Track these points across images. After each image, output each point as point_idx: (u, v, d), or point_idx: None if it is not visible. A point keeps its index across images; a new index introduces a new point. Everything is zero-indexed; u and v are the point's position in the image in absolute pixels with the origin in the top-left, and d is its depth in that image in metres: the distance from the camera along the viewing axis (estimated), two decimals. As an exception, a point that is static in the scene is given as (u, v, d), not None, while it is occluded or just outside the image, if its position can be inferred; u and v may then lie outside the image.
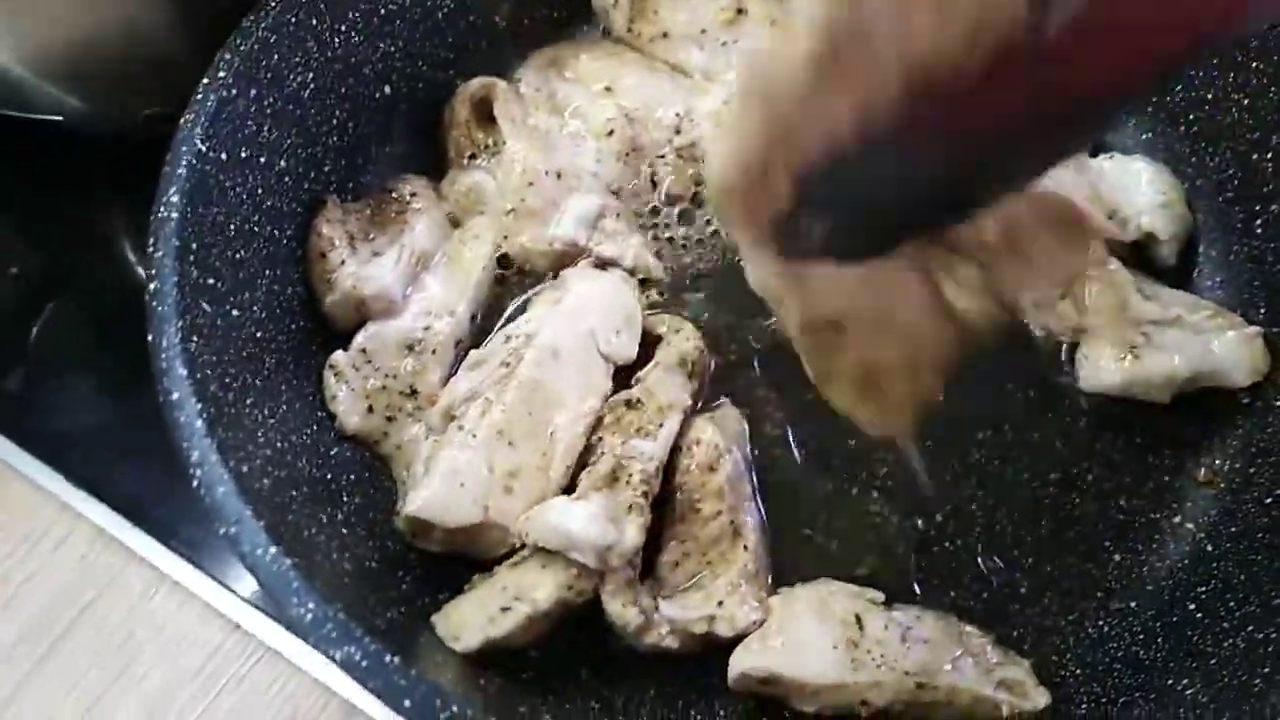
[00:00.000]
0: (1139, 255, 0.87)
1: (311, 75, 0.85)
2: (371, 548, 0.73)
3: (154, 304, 0.68)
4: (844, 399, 0.64)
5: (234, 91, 0.78)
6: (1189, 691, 0.66)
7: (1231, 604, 0.71)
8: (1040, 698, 0.69)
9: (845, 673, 0.69)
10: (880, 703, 0.68)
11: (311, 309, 0.83)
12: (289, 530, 0.64)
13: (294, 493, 0.69)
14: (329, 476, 0.76)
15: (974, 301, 0.58)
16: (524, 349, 0.78)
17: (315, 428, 0.78)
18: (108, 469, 0.91)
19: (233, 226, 0.77)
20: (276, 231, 0.82)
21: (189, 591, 0.87)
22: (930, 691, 0.68)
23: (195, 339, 0.68)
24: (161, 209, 0.72)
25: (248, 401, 0.71)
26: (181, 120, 0.75)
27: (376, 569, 0.72)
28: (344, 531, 0.72)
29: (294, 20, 0.82)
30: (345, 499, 0.75)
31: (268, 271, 0.80)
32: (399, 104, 0.93)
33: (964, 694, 0.68)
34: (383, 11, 0.90)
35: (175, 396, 0.65)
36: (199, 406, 0.65)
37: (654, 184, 0.92)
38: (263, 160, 0.81)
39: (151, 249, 0.70)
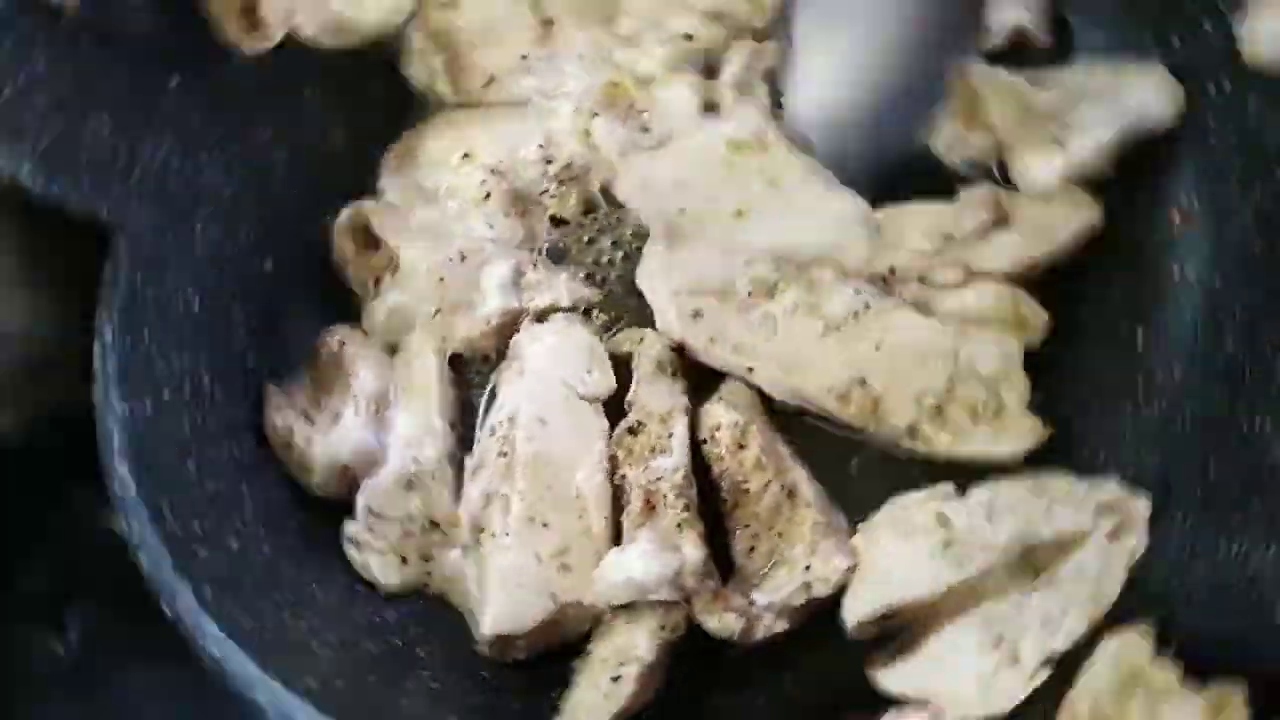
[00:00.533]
0: (1019, 55, 0.85)
1: (192, 288, 0.84)
2: (469, 688, 0.72)
3: (156, 578, 0.68)
4: None
5: (128, 341, 0.77)
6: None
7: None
8: (1141, 506, 0.68)
9: (954, 574, 0.68)
10: (999, 587, 0.68)
11: (303, 501, 0.82)
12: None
13: (372, 678, 0.69)
14: (396, 642, 0.75)
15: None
16: (512, 432, 0.77)
17: (359, 604, 0.77)
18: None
19: (194, 466, 0.76)
20: (238, 447, 0.81)
21: None
22: (1042, 549, 0.67)
23: (211, 591, 0.67)
24: (116, 485, 0.71)
25: (289, 623, 0.70)
26: (93, 393, 0.74)
27: (482, 703, 0.71)
28: (433, 686, 0.71)
29: (150, 245, 0.81)
30: (420, 655, 0.74)
31: (248, 487, 0.79)
32: (286, 269, 0.92)
33: (1070, 535, 0.67)
34: (229, 193, 0.88)
35: (217, 654, 0.64)
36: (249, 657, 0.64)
37: (553, 220, 0.91)
38: (189, 391, 0.79)
39: (128, 533, 0.70)
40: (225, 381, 0.83)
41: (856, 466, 0.78)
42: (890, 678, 0.68)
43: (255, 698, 0.62)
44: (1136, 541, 0.68)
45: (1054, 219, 0.76)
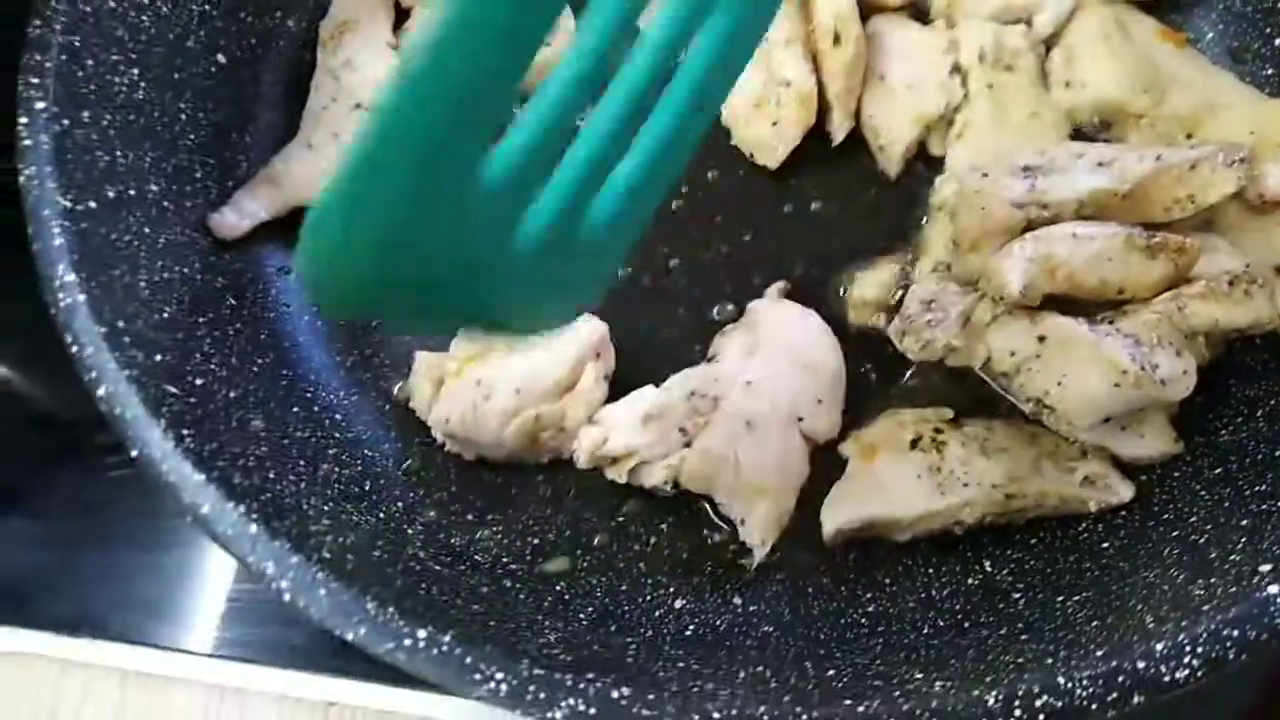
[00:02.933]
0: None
1: (136, 71, 0.68)
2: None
3: (118, 414, 0.54)
4: None
5: (66, 122, 0.61)
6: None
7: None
8: (1124, 490, 0.66)
9: (935, 500, 0.66)
10: (971, 520, 0.66)
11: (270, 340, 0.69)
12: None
13: (380, 544, 0.58)
14: (396, 506, 0.64)
15: None
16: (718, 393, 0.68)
17: (346, 464, 0.65)
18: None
19: (145, 284, 0.61)
20: (185, 269, 0.66)
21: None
22: (1019, 500, 0.66)
23: (190, 434, 0.54)
24: (58, 291, 0.56)
25: (277, 481, 0.58)
26: (23, 178, 0.58)
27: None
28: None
29: (90, 11, 0.64)
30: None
31: (204, 320, 0.65)
32: (240, 68, 0.76)
33: (1051, 496, 0.65)
34: (179, -35, 0.71)
35: (207, 511, 0.52)
36: (249, 516, 0.52)
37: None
38: (133, 194, 0.64)
39: (72, 345, 0.55)
40: (172, 191, 0.68)
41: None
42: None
43: (260, 565, 0.50)
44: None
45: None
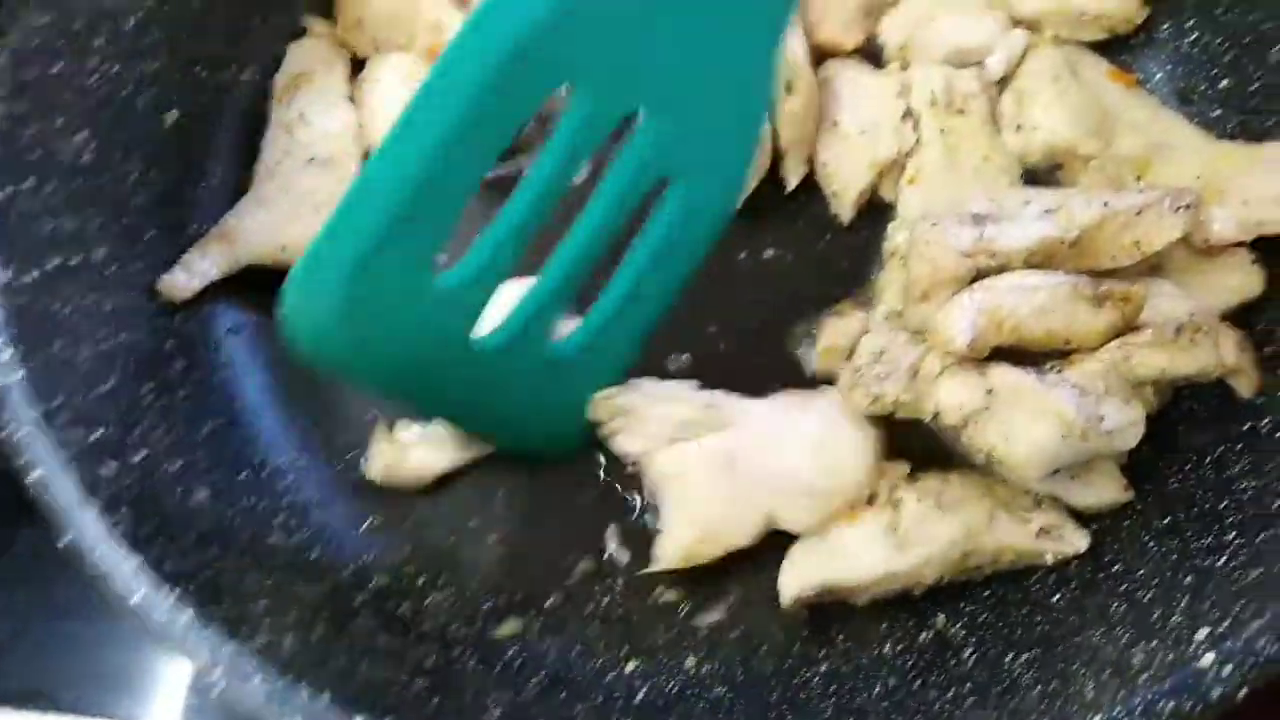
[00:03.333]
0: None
1: (84, 135, 0.67)
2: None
3: (50, 495, 0.53)
4: None
5: (9, 190, 0.61)
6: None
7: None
8: (1080, 540, 0.65)
9: (894, 561, 0.65)
10: (931, 579, 0.65)
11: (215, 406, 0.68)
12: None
13: (320, 630, 0.58)
14: (345, 583, 0.64)
15: None
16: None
17: (293, 539, 0.65)
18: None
19: (87, 355, 0.61)
20: (130, 338, 0.66)
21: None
22: (976, 557, 0.65)
23: (127, 514, 0.54)
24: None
25: (218, 562, 0.58)
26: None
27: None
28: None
29: (37, 64, 0.64)
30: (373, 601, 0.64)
31: (150, 387, 0.64)
32: (195, 125, 0.76)
33: (1007, 551, 0.65)
34: (129, 25, 0.71)
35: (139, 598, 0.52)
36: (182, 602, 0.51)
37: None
38: (78, 262, 0.64)
39: (4, 429, 0.55)
40: (120, 255, 0.68)
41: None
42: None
43: (192, 654, 0.50)
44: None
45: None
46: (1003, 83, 0.81)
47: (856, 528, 0.66)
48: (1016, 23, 0.82)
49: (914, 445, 0.69)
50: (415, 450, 0.70)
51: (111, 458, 0.56)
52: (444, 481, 0.70)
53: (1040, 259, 0.67)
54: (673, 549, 0.65)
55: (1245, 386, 0.67)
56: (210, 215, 0.77)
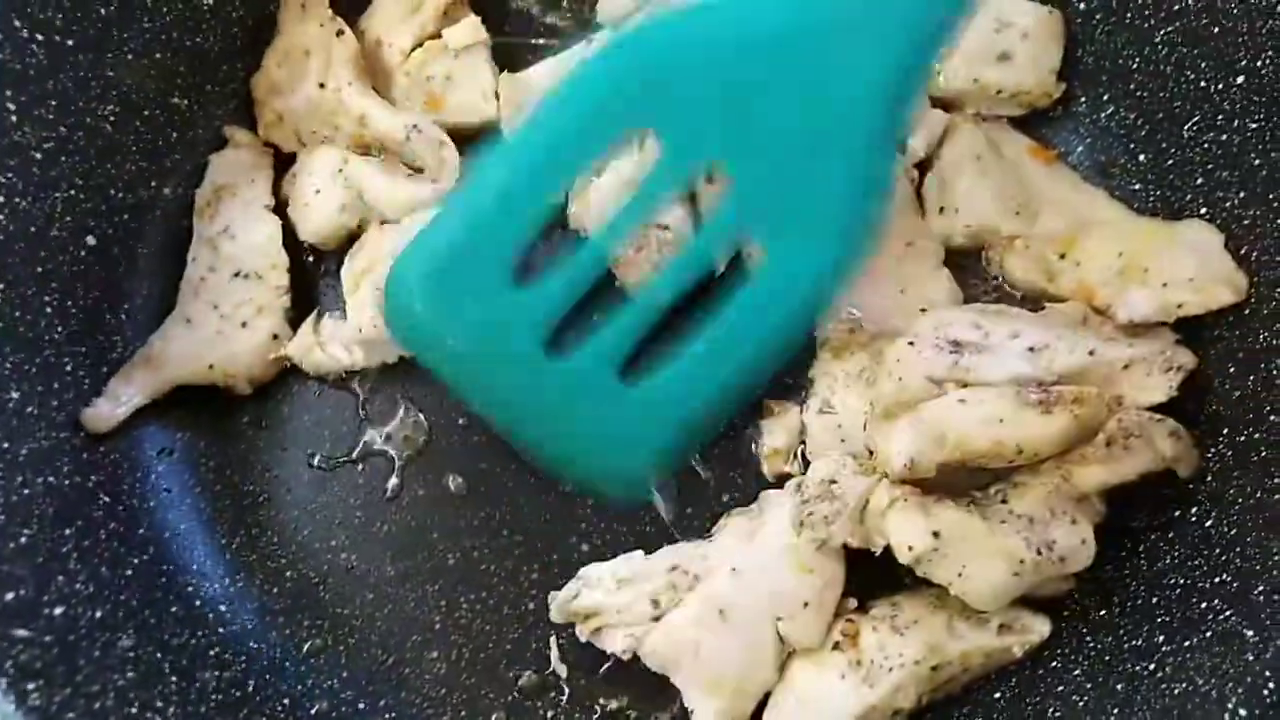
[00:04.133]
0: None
1: (-6, 271, 0.66)
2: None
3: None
4: None
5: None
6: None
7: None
8: (1041, 626, 0.65)
9: (866, 695, 0.64)
10: (909, 705, 0.65)
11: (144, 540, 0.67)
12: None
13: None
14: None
15: None
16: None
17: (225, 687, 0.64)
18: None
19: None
20: (55, 477, 0.65)
21: None
22: (946, 669, 0.65)
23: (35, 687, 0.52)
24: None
25: None
26: None
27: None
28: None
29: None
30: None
31: (73, 530, 0.63)
32: (113, 247, 0.75)
33: (974, 655, 0.65)
34: (40, 154, 0.70)
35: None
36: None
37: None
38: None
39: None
40: (37, 394, 0.67)
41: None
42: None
43: None
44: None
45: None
46: (925, 165, 0.81)
47: (820, 672, 0.66)
48: (934, 102, 0.82)
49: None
50: (331, 345, 0.76)
51: (23, 622, 0.55)
52: (382, 595, 0.69)
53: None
54: None
55: (1185, 469, 0.67)
56: (134, 337, 0.76)
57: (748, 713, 0.65)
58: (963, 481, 0.65)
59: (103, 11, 0.73)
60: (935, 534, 0.62)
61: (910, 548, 0.62)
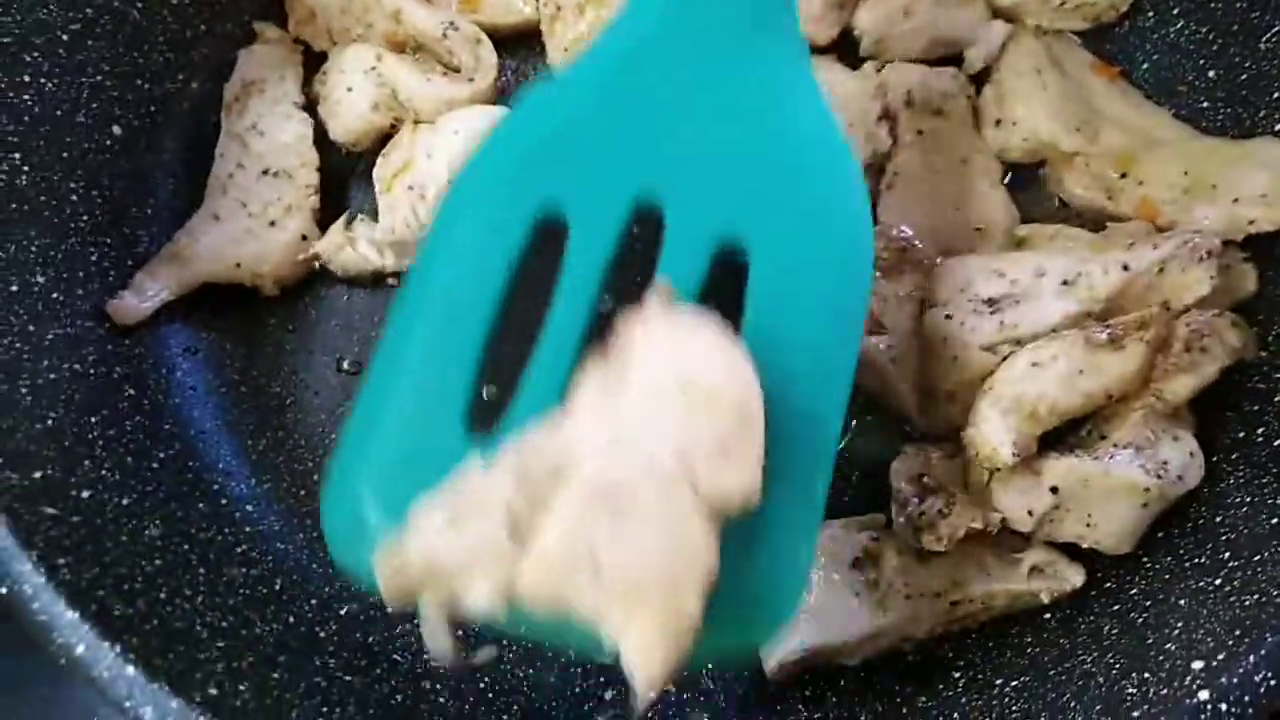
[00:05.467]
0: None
1: (17, 156, 0.64)
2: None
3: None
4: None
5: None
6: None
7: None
8: (1075, 575, 0.63)
9: (878, 618, 0.62)
10: (921, 634, 0.63)
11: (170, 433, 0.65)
12: None
13: (276, 677, 0.55)
14: (299, 627, 0.61)
15: None
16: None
17: (252, 573, 0.62)
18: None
19: (27, 391, 0.58)
20: (80, 364, 0.63)
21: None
22: (965, 605, 0.63)
23: (65, 563, 0.51)
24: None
25: (167, 605, 0.55)
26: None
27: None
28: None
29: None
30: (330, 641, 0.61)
31: (96, 418, 0.61)
32: (138, 137, 0.73)
33: (999, 595, 0.63)
34: (67, 35, 0.68)
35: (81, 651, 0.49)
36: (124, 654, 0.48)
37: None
38: (18, 290, 0.61)
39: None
40: (63, 281, 0.65)
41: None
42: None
43: (137, 710, 0.47)
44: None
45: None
46: (982, 76, 0.78)
47: (833, 586, 0.63)
48: (996, 13, 0.79)
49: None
50: (361, 245, 0.73)
51: (51, 501, 0.53)
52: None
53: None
54: (645, 656, 0.44)
55: (1252, 352, 0.65)
56: (160, 232, 0.74)
57: (695, 614, 0.44)
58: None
59: (127, -103, 0.70)
60: (1053, 489, 0.60)
61: (1030, 512, 0.60)
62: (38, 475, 0.54)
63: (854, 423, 0.69)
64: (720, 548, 0.44)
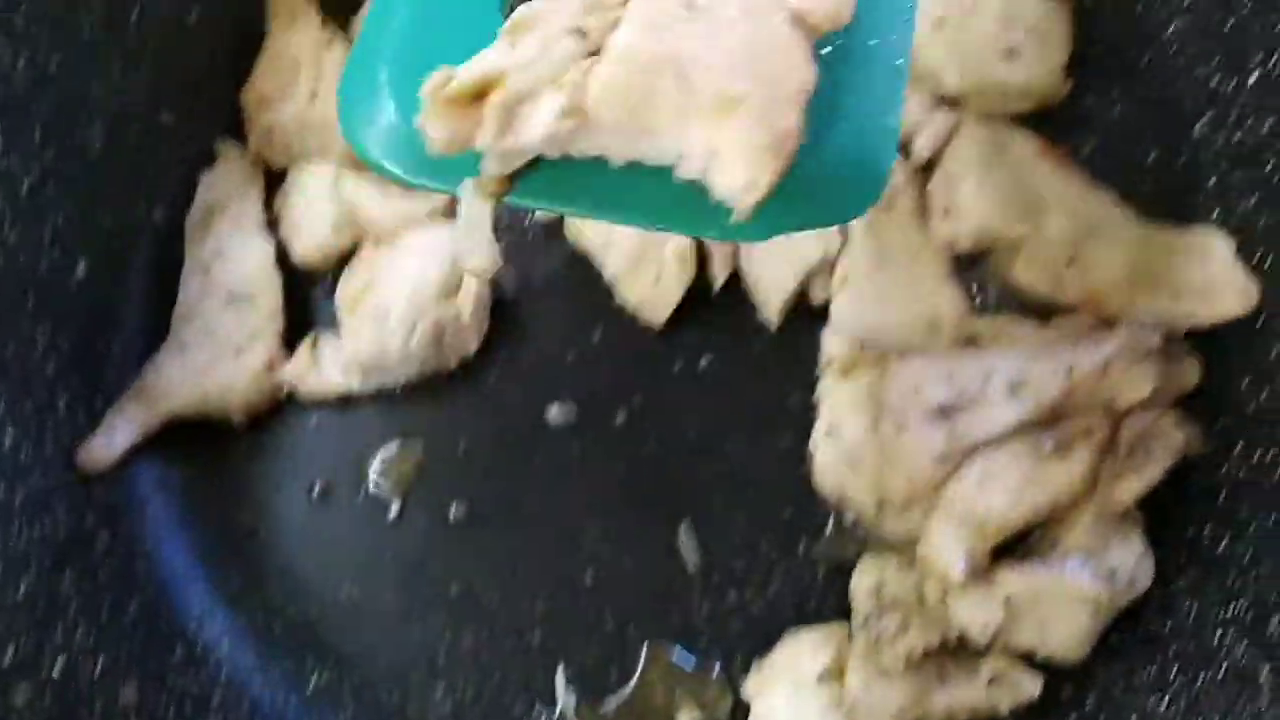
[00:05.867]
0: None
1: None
2: None
3: None
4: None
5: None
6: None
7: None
8: (1033, 685, 0.64)
9: None
10: None
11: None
12: None
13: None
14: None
15: None
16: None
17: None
18: None
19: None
20: (52, 522, 0.64)
21: None
22: (929, 719, 0.64)
23: None
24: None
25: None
26: None
27: None
28: None
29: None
30: None
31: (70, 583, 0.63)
32: (104, 274, 0.74)
33: (960, 711, 0.64)
34: (28, 183, 0.69)
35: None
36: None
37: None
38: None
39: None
40: (30, 436, 0.66)
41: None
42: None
43: None
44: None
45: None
46: (929, 165, 0.79)
47: (799, 704, 0.64)
48: (941, 101, 0.80)
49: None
50: (328, 368, 0.74)
51: (25, 677, 0.54)
52: (384, 630, 0.69)
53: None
54: (745, 161, 0.38)
55: (1198, 448, 0.67)
56: (129, 366, 0.75)
57: (795, 129, 0.39)
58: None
59: (87, 32, 0.71)
60: (1007, 601, 0.61)
61: (985, 625, 0.61)
62: (11, 654, 0.56)
63: (824, 526, 0.71)
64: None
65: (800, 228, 0.43)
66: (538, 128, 0.38)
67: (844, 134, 0.43)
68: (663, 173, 0.40)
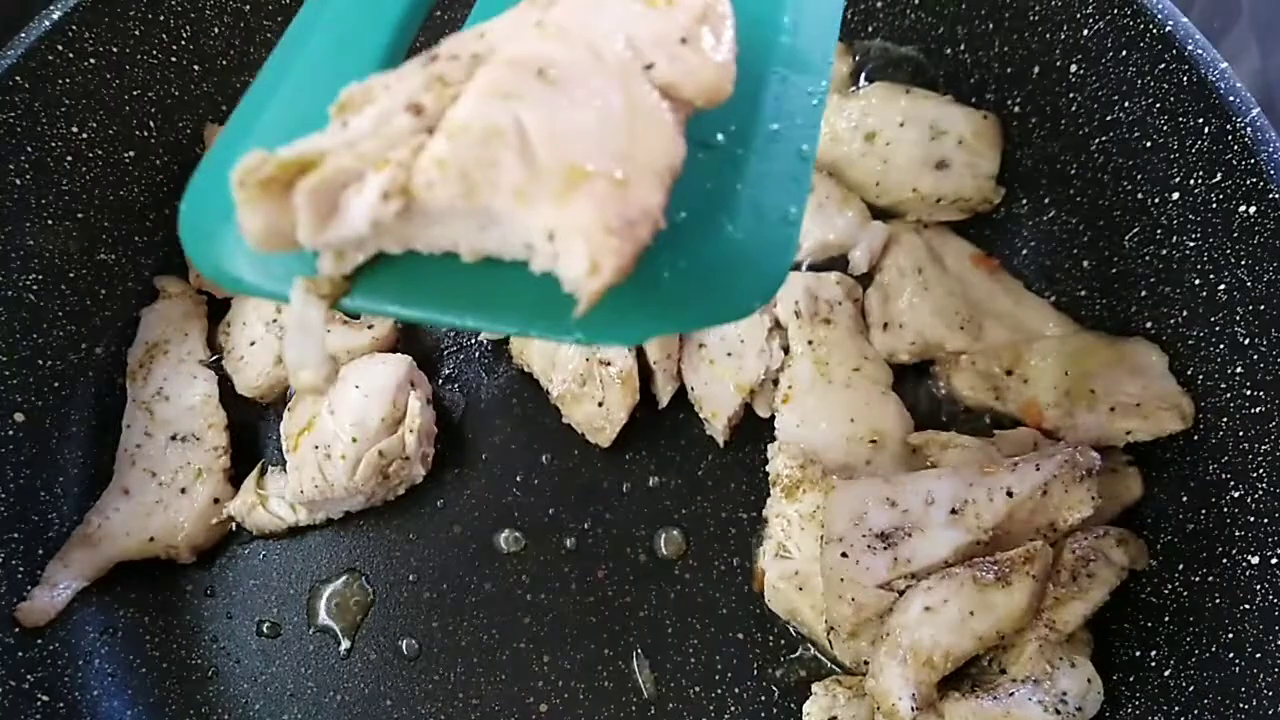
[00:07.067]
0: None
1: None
2: None
3: None
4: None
5: None
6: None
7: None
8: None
9: None
10: None
11: None
12: None
13: None
14: None
15: None
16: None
17: None
18: None
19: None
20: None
21: None
22: None
23: None
24: None
25: None
26: None
27: None
28: None
29: None
30: None
31: None
32: (44, 419, 0.74)
33: None
34: None
35: None
36: None
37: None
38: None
39: None
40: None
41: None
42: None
43: None
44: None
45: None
46: (866, 279, 0.80)
47: None
48: (876, 213, 0.81)
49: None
50: (274, 502, 0.75)
51: None
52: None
53: (957, 562, 0.65)
54: (586, 242, 0.33)
55: (1141, 564, 0.67)
56: (71, 511, 0.74)
57: (655, 207, 0.35)
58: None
59: (17, 181, 0.71)
60: None
61: None
62: None
63: (778, 649, 0.71)
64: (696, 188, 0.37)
65: (688, 325, 0.39)
66: (361, 213, 0.33)
67: (738, 221, 0.40)
68: (519, 269, 0.36)
